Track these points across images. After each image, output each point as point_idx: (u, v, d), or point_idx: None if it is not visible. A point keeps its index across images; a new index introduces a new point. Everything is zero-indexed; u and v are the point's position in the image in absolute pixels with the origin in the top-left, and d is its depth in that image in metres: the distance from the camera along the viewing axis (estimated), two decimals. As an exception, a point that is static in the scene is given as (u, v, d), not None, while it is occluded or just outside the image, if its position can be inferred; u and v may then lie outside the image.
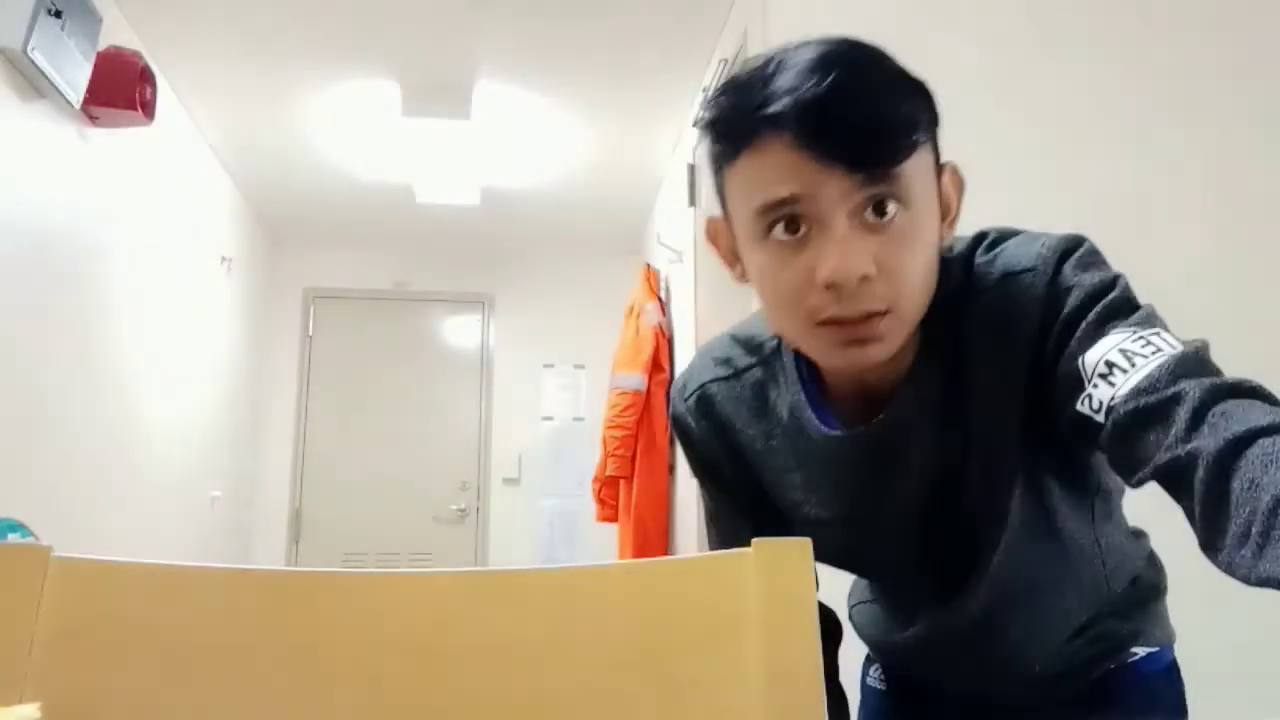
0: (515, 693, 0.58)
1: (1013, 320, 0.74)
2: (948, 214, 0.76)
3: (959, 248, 0.79)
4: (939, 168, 0.74)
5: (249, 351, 4.94)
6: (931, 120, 0.72)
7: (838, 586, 1.08)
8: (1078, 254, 0.73)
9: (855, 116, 0.66)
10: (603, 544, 4.43)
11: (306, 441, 5.34)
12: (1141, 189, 1.68)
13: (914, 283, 0.70)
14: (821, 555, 0.90)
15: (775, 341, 0.87)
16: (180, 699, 0.56)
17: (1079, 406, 0.68)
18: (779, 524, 0.89)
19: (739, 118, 0.70)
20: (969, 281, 0.77)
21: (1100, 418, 0.66)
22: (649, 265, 4.40)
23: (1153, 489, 0.63)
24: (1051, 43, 1.83)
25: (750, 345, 0.89)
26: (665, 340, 4.07)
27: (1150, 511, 0.96)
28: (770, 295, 0.73)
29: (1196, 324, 0.72)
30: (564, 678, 0.58)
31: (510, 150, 4.14)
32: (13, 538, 2.19)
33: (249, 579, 0.60)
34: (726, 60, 3.00)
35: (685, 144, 3.77)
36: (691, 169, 3.68)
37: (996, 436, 0.76)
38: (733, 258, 0.79)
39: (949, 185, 0.76)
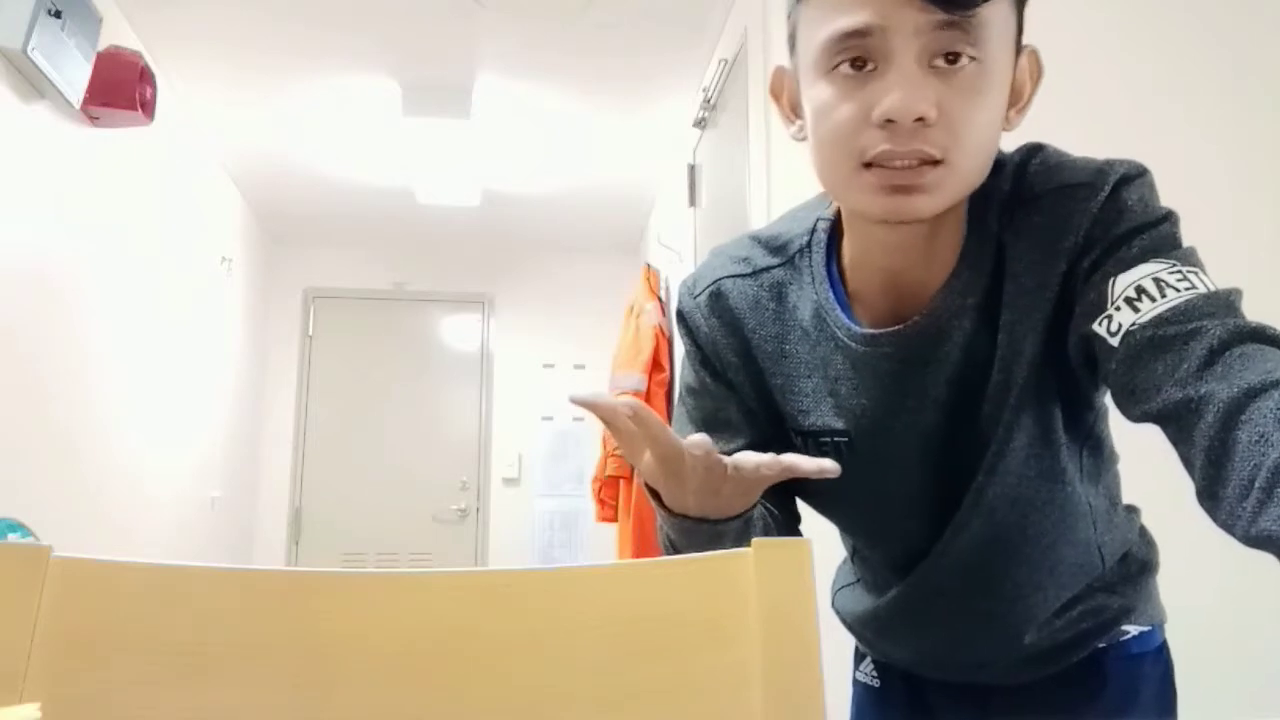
0: (515, 693, 0.58)
1: (1059, 232, 0.72)
2: (1019, 99, 0.74)
3: (1012, 155, 0.78)
4: (1019, 44, 0.72)
5: (249, 352, 4.95)
6: None
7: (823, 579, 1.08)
8: (1137, 181, 0.72)
9: None
10: (603, 544, 4.43)
11: (306, 441, 5.34)
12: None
13: (973, 139, 0.68)
14: (813, 484, 0.88)
15: (804, 240, 0.85)
16: (180, 699, 0.56)
17: (1095, 326, 0.67)
18: (781, 432, 0.87)
19: None
20: (1019, 189, 0.76)
21: (1114, 341, 0.65)
22: (649, 265, 4.40)
23: (1144, 464, 0.63)
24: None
25: (773, 246, 0.86)
26: (665, 340, 4.07)
27: (1144, 491, 0.96)
28: (823, 131, 0.71)
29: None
30: (564, 678, 0.58)
31: (510, 150, 4.14)
32: (13, 538, 2.19)
33: (249, 579, 0.60)
34: (726, 61, 3.00)
35: (685, 144, 3.77)
36: (691, 169, 3.68)
37: (1022, 349, 0.75)
38: (793, 112, 0.78)
39: (1025, 70, 0.74)
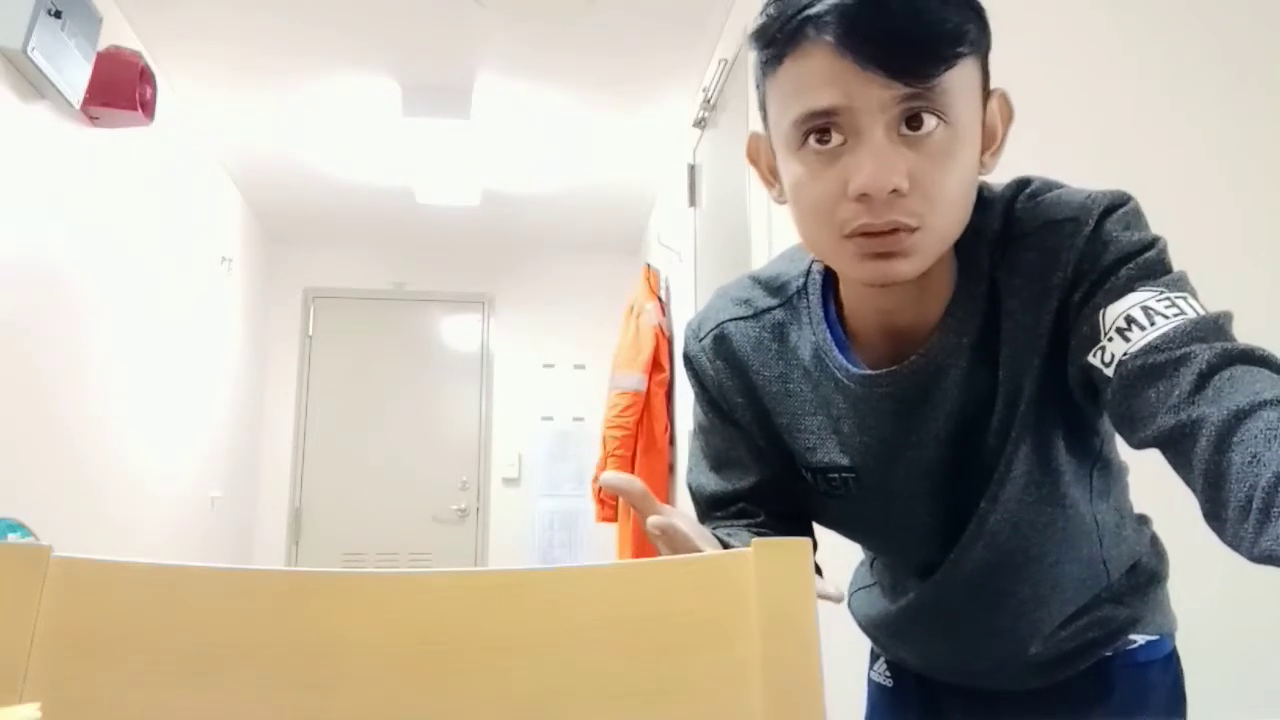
0: (515, 693, 0.58)
1: (1049, 268, 0.73)
2: (992, 142, 0.75)
3: (1000, 191, 0.78)
4: (986, 92, 0.73)
5: (249, 351, 4.95)
6: (979, 38, 0.69)
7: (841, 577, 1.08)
8: (1121, 210, 0.73)
9: (897, 22, 0.65)
10: (603, 544, 4.43)
11: (306, 441, 5.34)
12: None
13: (947, 201, 0.69)
14: (825, 513, 0.90)
15: (800, 282, 0.86)
16: (180, 699, 0.56)
17: (1090, 358, 0.68)
18: (791, 467, 0.88)
19: (784, 21, 0.69)
20: (1008, 226, 0.76)
21: (1109, 371, 0.66)
22: (649, 265, 4.40)
23: (1154, 470, 0.63)
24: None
25: (772, 286, 0.88)
26: (665, 340, 4.07)
27: (1154, 495, 0.96)
28: (802, 206, 0.72)
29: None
30: (564, 678, 0.58)
31: (510, 150, 4.14)
32: (13, 538, 2.19)
33: (249, 579, 0.60)
34: (726, 61, 3.01)
35: (685, 144, 3.77)
36: (691, 169, 3.68)
37: (1022, 384, 0.76)
38: (771, 176, 0.78)
39: (996, 113, 0.74)
